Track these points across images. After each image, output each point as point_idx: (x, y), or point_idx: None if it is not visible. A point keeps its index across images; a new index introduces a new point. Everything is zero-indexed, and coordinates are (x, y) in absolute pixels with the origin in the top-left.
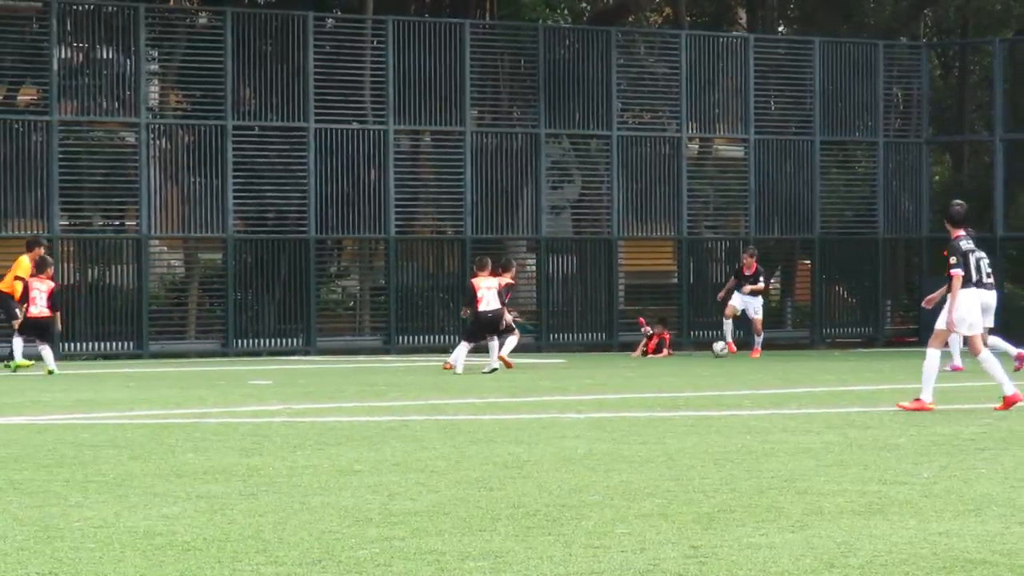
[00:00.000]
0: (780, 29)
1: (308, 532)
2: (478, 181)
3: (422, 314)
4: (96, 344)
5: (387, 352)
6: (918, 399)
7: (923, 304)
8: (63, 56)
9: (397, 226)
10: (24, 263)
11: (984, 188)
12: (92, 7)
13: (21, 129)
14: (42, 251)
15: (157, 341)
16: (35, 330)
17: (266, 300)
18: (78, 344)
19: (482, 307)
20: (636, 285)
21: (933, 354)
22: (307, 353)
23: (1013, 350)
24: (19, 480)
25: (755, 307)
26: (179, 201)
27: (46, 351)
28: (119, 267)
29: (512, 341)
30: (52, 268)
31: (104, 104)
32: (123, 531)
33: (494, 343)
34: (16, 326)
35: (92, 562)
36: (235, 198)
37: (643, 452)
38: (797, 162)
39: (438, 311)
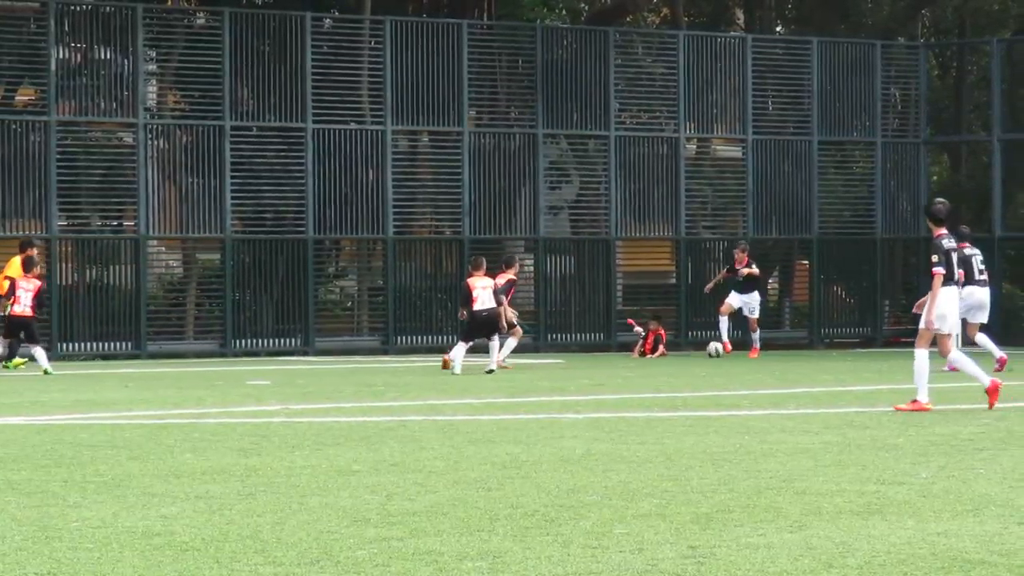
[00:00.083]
0: (778, 29)
1: (306, 532)
2: (476, 181)
3: (420, 314)
4: (94, 344)
5: (385, 352)
6: (915, 400)
7: (914, 310)
8: (61, 56)
9: (395, 226)
10: (16, 264)
11: (982, 188)
12: (90, 7)
13: (19, 129)
14: (34, 252)
15: (155, 341)
16: (17, 329)
17: (264, 300)
18: (76, 344)
19: (477, 306)
20: (634, 285)
21: (921, 355)
22: (305, 353)
23: (997, 352)
24: (17, 480)
25: (751, 307)
26: (177, 201)
27: (38, 352)
28: (117, 267)
29: (511, 343)
30: (39, 268)
31: (102, 104)
32: (121, 531)
33: (494, 343)
34: None
35: (90, 562)
36: (233, 198)
37: (641, 452)
38: (795, 162)
39: (436, 311)
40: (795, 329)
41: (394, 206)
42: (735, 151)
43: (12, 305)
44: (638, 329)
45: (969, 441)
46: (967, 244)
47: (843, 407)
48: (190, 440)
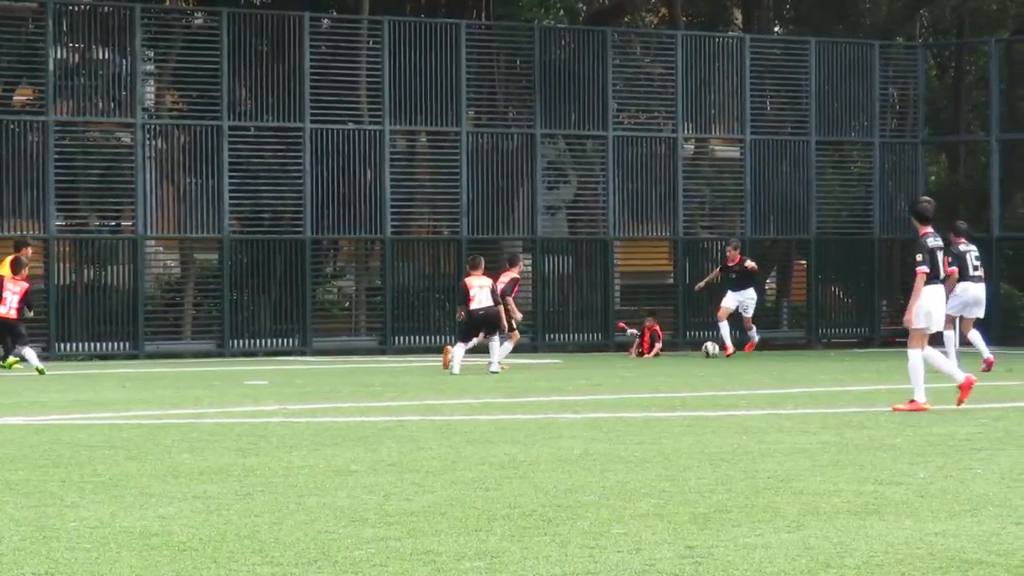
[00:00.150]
0: (776, 29)
1: (304, 532)
2: (474, 181)
3: (418, 314)
4: (92, 344)
5: (383, 352)
6: (912, 400)
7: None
8: (59, 56)
9: (393, 226)
10: (6, 264)
11: (980, 188)
12: (88, 7)
13: (17, 129)
14: (28, 252)
15: (153, 341)
16: (2, 332)
17: (262, 300)
18: (74, 344)
19: (473, 305)
20: (632, 285)
21: (915, 355)
22: (303, 353)
23: (986, 352)
24: (15, 480)
25: (745, 304)
26: (175, 201)
27: (27, 351)
28: (115, 267)
29: (508, 346)
30: (28, 270)
31: (100, 104)
32: (119, 531)
33: (495, 343)
34: None
35: (88, 562)
36: (231, 198)
37: (639, 452)
38: (793, 162)
39: (434, 311)
40: (793, 329)
41: (392, 206)
42: (733, 151)
43: None
44: (632, 331)
45: (967, 441)
46: (963, 240)
47: (841, 407)
48: (188, 440)
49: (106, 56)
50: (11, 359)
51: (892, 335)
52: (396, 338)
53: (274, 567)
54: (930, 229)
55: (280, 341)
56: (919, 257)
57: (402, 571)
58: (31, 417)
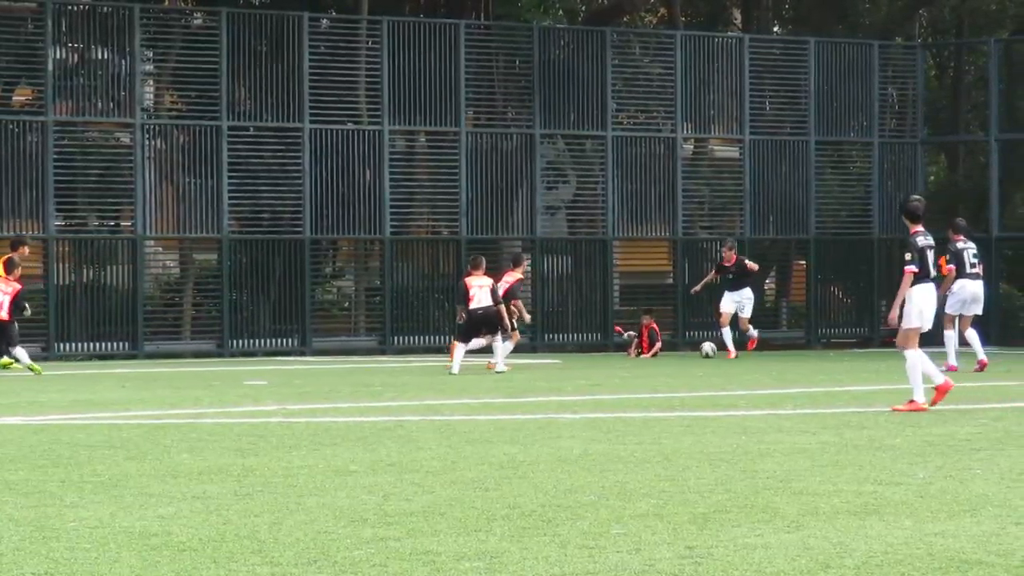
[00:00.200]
0: (775, 29)
1: (304, 532)
2: (473, 181)
3: (417, 314)
4: (91, 344)
5: (382, 352)
6: (911, 400)
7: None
8: (58, 56)
9: (392, 226)
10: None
11: (979, 188)
12: (87, 7)
13: (16, 129)
14: (25, 251)
15: (152, 341)
16: None
17: (261, 300)
18: (73, 344)
19: (472, 305)
20: (631, 285)
21: (911, 355)
22: (302, 354)
23: (980, 354)
24: (15, 480)
25: (742, 304)
26: (174, 201)
27: (19, 351)
28: (114, 267)
29: (508, 346)
30: (20, 270)
31: (99, 104)
32: (119, 531)
33: (498, 343)
34: None
35: (88, 562)
36: (230, 198)
37: (639, 452)
38: (792, 162)
39: (433, 311)
40: (792, 329)
41: (391, 206)
42: (732, 151)
43: None
44: (629, 333)
45: (966, 441)
46: (962, 237)
47: (840, 407)
48: (187, 440)
49: (105, 56)
50: (5, 359)
51: (891, 335)
52: (395, 338)
53: (273, 567)
54: (920, 228)
55: (279, 341)
56: (908, 256)
57: (401, 571)
58: (30, 417)
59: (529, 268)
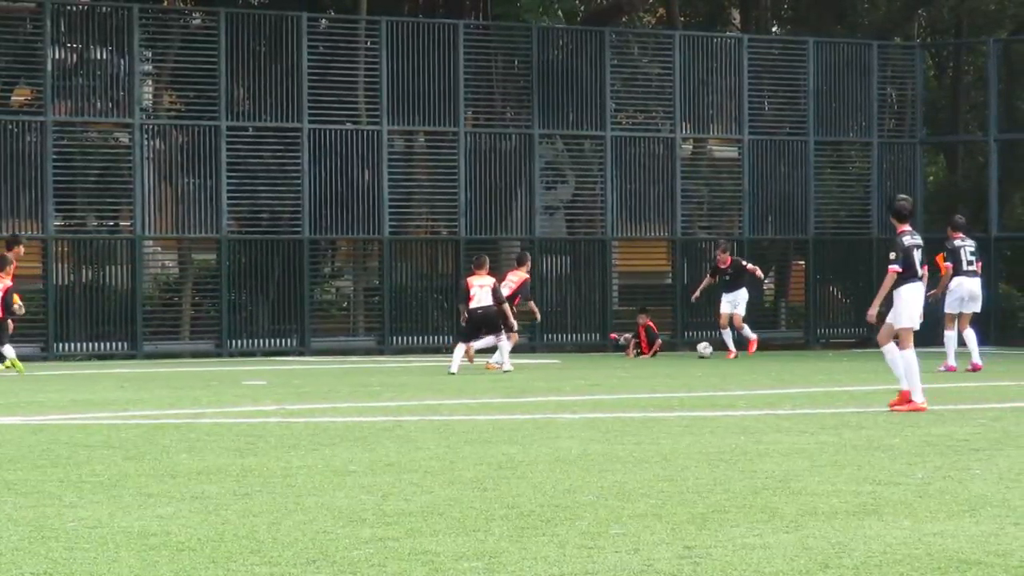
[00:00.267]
0: (774, 29)
1: (302, 532)
2: (472, 182)
3: (416, 315)
4: (90, 344)
5: (381, 353)
6: (910, 400)
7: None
8: (57, 57)
9: (391, 227)
10: None
11: (979, 188)
12: (86, 8)
13: (15, 130)
14: (20, 251)
15: (151, 341)
16: None
17: (260, 300)
18: (72, 344)
19: (472, 304)
20: (630, 286)
21: (908, 355)
22: (301, 354)
23: (975, 355)
24: (13, 480)
25: (735, 302)
26: (173, 201)
27: (7, 349)
28: (113, 267)
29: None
30: (13, 267)
31: (98, 105)
32: (117, 531)
33: (503, 343)
34: None
35: (86, 562)
36: (229, 198)
37: (637, 453)
38: (791, 163)
39: (432, 312)
40: (791, 329)
41: (390, 206)
42: (731, 151)
43: None
44: (626, 336)
45: (965, 441)
46: (960, 235)
47: (839, 407)
48: (186, 440)
49: (104, 56)
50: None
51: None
52: (394, 338)
53: (272, 567)
54: (907, 227)
55: (278, 341)
56: (892, 255)
57: (400, 571)
58: (29, 417)
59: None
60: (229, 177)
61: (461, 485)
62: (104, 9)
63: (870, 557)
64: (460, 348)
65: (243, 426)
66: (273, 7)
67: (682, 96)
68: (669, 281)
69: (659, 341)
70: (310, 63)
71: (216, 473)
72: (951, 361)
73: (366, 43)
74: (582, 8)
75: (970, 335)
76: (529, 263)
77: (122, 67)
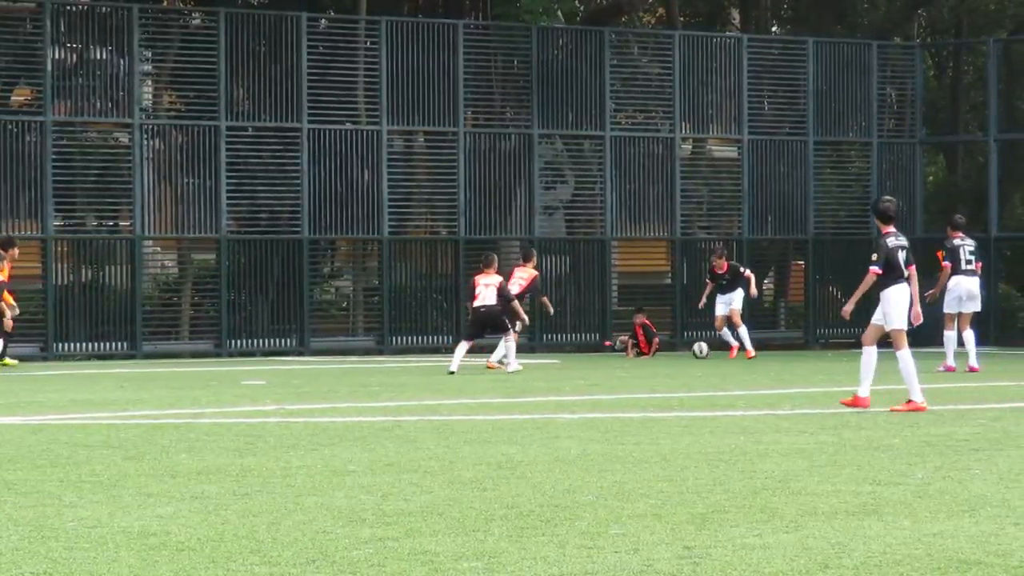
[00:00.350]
0: (774, 29)
1: (302, 532)
2: (471, 182)
3: (415, 315)
4: (90, 344)
5: (380, 353)
6: (909, 401)
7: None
8: (57, 57)
9: (390, 227)
10: None
11: (978, 188)
12: (86, 8)
13: (15, 130)
14: (15, 252)
15: (151, 341)
16: None
17: (259, 300)
18: (72, 344)
19: (477, 303)
20: (629, 286)
21: (903, 355)
22: (301, 354)
23: (973, 357)
24: (13, 480)
25: (731, 299)
26: (173, 201)
27: None
28: (113, 267)
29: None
30: (5, 264)
31: (98, 105)
32: (117, 531)
33: (511, 343)
34: None
35: (86, 562)
36: (228, 198)
37: (637, 453)
38: (791, 162)
39: (431, 312)
40: (790, 329)
41: (389, 206)
42: (731, 151)
43: None
44: (622, 338)
45: (965, 442)
46: (960, 234)
47: (838, 408)
48: (186, 440)
49: (104, 56)
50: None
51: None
52: (393, 338)
53: (272, 567)
54: (892, 229)
55: (278, 341)
56: (874, 256)
57: (400, 571)
58: (29, 417)
59: None
60: (229, 177)
61: (460, 485)
62: (104, 9)
63: (870, 557)
64: (462, 346)
65: (242, 426)
66: (273, 7)
67: (682, 96)
68: (669, 281)
69: (657, 339)
70: (310, 63)
71: (216, 473)
72: (950, 361)
73: (366, 43)
74: (582, 8)
75: (969, 337)
76: (535, 258)
77: (122, 67)
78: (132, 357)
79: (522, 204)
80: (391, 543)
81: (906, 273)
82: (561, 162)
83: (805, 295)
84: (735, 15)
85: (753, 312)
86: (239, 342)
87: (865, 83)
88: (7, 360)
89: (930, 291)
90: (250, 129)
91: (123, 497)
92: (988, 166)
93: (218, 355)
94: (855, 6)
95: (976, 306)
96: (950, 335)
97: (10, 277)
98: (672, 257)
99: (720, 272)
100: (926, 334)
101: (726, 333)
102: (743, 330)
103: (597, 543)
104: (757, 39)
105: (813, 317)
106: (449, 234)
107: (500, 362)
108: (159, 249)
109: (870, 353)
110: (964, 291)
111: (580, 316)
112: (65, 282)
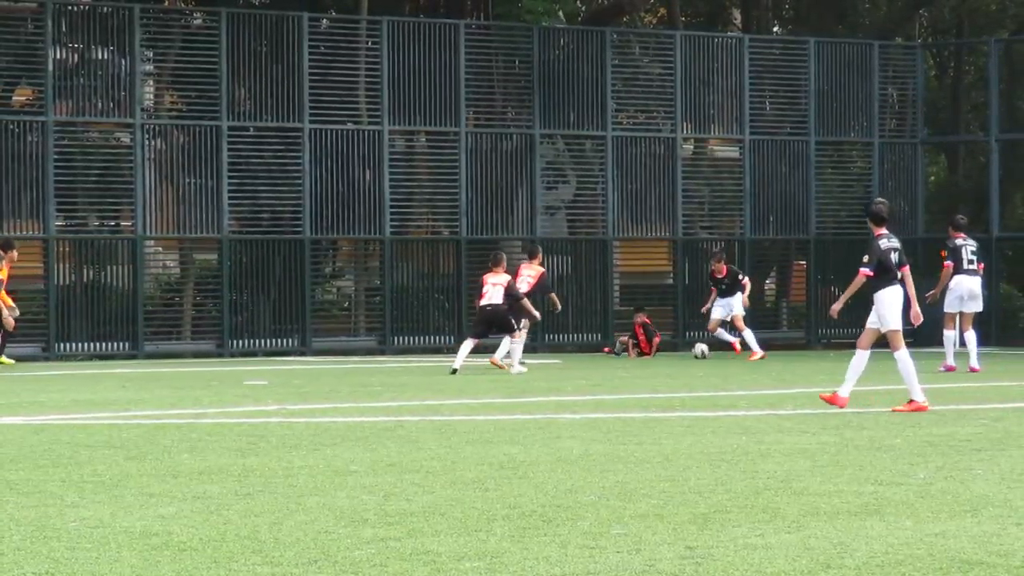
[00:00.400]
0: (775, 29)
1: (304, 532)
2: (473, 182)
3: (417, 315)
4: (91, 344)
5: (382, 353)
6: (911, 401)
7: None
8: (58, 57)
9: (392, 227)
10: None
11: (979, 188)
12: (87, 8)
13: (17, 130)
14: (15, 254)
15: (152, 341)
16: None
17: (261, 301)
18: (73, 344)
19: (483, 301)
20: (631, 286)
21: (902, 356)
22: (302, 354)
23: (974, 358)
24: (15, 480)
25: (731, 305)
26: (174, 202)
27: None
28: (114, 267)
29: (507, 345)
30: (4, 263)
31: (99, 105)
32: (119, 531)
33: (516, 344)
34: None
35: (88, 562)
36: (230, 198)
37: (639, 453)
38: (792, 163)
39: (433, 312)
40: (792, 329)
41: (391, 206)
42: (732, 151)
43: None
44: (621, 340)
45: (967, 442)
46: (961, 235)
47: (839, 408)
48: (188, 440)
49: (105, 56)
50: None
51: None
52: (395, 338)
53: (274, 567)
54: (884, 231)
55: (279, 341)
56: (865, 258)
57: (402, 571)
58: (31, 417)
59: None
60: (230, 177)
61: (462, 485)
62: (105, 9)
63: (872, 557)
64: (467, 344)
65: (244, 426)
66: (274, 7)
67: (683, 96)
68: (670, 281)
69: (658, 338)
70: (311, 63)
71: (218, 473)
72: (950, 361)
73: (367, 43)
74: (583, 8)
75: (971, 337)
76: (540, 255)
77: (123, 67)
78: (134, 357)
79: (524, 204)
80: (393, 543)
81: (899, 275)
82: (563, 162)
83: (807, 295)
84: (736, 15)
85: (755, 312)
86: (241, 342)
87: (866, 83)
88: (3, 359)
89: (930, 291)
90: (251, 129)
91: (125, 497)
92: (989, 166)
93: (220, 355)
94: (856, 6)
95: (978, 306)
96: (950, 335)
97: (9, 278)
98: (674, 257)
99: (720, 276)
100: (926, 334)
101: (721, 333)
102: (748, 333)
103: (599, 543)
104: (758, 39)
105: (815, 317)
106: (451, 234)
107: (505, 359)
108: (161, 249)
109: (862, 356)
110: (966, 291)
111: (582, 316)
112: (67, 282)
